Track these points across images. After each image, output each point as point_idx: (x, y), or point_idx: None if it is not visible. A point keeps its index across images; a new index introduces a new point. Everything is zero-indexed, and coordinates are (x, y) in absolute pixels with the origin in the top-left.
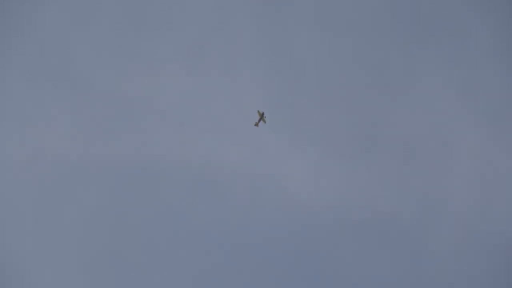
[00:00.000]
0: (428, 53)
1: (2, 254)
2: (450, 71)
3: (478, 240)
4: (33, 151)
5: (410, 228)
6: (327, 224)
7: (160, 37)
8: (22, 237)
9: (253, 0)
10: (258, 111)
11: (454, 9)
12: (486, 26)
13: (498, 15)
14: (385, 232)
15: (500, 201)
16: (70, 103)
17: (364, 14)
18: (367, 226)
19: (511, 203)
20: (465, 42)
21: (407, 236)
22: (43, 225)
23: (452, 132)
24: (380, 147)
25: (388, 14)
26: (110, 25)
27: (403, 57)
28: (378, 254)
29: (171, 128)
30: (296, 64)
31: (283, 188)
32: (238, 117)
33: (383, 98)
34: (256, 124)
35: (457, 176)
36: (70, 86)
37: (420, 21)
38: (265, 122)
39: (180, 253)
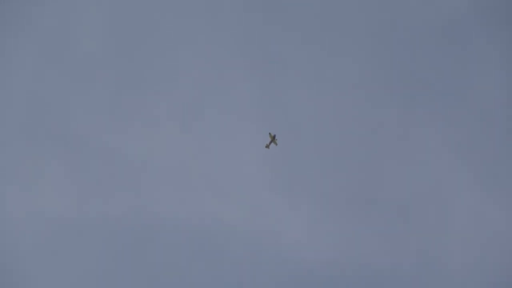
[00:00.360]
0: (425, 111)
1: None
2: (447, 129)
3: None
4: (29, 209)
5: (407, 286)
6: (324, 281)
7: (156, 95)
8: None
9: (249, 59)
10: (269, 133)
11: (452, 67)
12: (484, 84)
13: (495, 73)
14: None
15: (497, 259)
16: (66, 161)
17: (361, 72)
18: (364, 283)
19: (507, 260)
20: (462, 101)
21: None
22: (40, 285)
23: (450, 190)
24: (378, 205)
25: (385, 72)
26: (107, 84)
27: (400, 115)
28: None
29: (168, 187)
30: (293, 122)
31: (281, 245)
32: (235, 175)
33: (381, 156)
34: (267, 146)
35: (454, 234)
36: (66, 145)
37: (417, 79)
38: (276, 144)
39: None
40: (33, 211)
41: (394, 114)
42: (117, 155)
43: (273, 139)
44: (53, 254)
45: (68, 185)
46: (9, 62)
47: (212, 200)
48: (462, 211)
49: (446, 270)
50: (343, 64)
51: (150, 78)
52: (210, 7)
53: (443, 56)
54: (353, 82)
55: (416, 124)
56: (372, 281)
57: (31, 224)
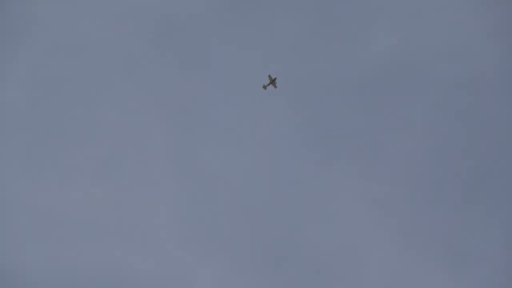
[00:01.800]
0: (341, 168)
1: None
2: (362, 186)
3: None
4: None
5: None
6: None
7: (72, 146)
8: None
9: (166, 113)
10: (269, 76)
11: (368, 126)
12: (401, 141)
13: (413, 132)
14: None
15: None
16: None
17: (279, 127)
18: None
19: None
20: (379, 158)
21: None
22: None
23: (366, 248)
24: (290, 262)
25: (303, 127)
26: (22, 134)
27: (315, 172)
28: None
29: (81, 238)
30: (208, 176)
31: None
32: (148, 227)
33: (296, 212)
34: (265, 87)
35: None
36: None
37: (335, 135)
38: (275, 87)
39: None
40: None
41: (311, 170)
42: (31, 207)
43: (272, 81)
44: None
45: None
46: None
47: (123, 251)
48: (377, 267)
49: None
50: (261, 119)
51: (65, 129)
52: (126, 60)
53: (362, 113)
54: (270, 137)
55: (333, 180)
56: None
57: None
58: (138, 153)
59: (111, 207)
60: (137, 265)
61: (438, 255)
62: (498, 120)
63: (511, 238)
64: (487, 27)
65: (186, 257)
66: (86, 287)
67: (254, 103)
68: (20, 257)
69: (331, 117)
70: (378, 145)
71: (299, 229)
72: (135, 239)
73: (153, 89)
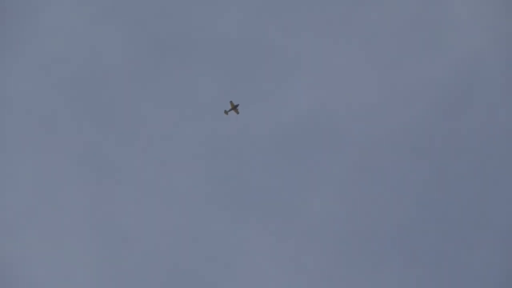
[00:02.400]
0: (256, 225)
1: None
2: (277, 245)
3: None
4: None
5: None
6: None
7: None
8: None
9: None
10: (231, 102)
11: (286, 183)
12: (316, 201)
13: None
14: None
15: None
16: None
17: (192, 186)
18: None
19: None
20: (295, 215)
21: None
22: None
23: None
24: None
25: (219, 187)
26: None
27: (230, 229)
28: None
29: None
30: (121, 238)
31: None
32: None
33: (209, 271)
34: (226, 113)
35: None
36: None
37: (251, 193)
38: (237, 112)
39: None
40: None
41: (225, 227)
42: None
43: (234, 107)
44: None
45: None
46: None
47: None
48: None
49: None
50: (177, 174)
51: None
52: (43, 124)
53: (278, 173)
54: (185, 193)
55: (248, 237)
56: None
57: None
58: (52, 211)
59: (22, 266)
60: None
61: None
62: (411, 176)
63: None
64: (400, 85)
65: None
66: None
67: (171, 157)
68: None
69: (249, 174)
70: (296, 202)
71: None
72: None
73: (66, 146)
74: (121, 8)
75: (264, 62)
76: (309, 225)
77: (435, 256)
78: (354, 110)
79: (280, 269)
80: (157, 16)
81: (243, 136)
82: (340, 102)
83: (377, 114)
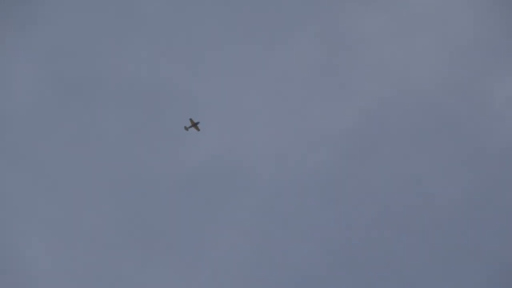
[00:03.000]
0: (162, 266)
1: None
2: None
3: None
4: None
5: None
6: None
7: None
8: None
9: None
10: (191, 119)
11: (192, 225)
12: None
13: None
14: None
15: None
16: None
17: (94, 225)
18: None
19: None
20: (200, 259)
21: None
22: None
23: None
24: None
25: (124, 228)
26: None
27: (135, 270)
28: None
29: None
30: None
31: None
32: None
33: None
34: (186, 129)
35: None
36: None
37: (155, 234)
38: (198, 129)
39: None
40: None
41: (131, 267)
42: None
43: (194, 124)
44: None
45: None
46: None
47: None
48: None
49: None
50: (81, 214)
51: None
52: None
53: (185, 215)
54: (89, 237)
55: (153, 278)
56: None
57: None
58: None
59: None
60: None
61: None
62: (316, 221)
63: None
64: (309, 130)
65: None
66: None
67: (76, 196)
68: None
69: (156, 216)
70: (202, 245)
71: None
72: None
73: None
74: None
75: (172, 105)
76: (214, 268)
77: None
78: (262, 155)
79: None
80: (64, 55)
81: (151, 177)
82: (248, 146)
83: (285, 159)
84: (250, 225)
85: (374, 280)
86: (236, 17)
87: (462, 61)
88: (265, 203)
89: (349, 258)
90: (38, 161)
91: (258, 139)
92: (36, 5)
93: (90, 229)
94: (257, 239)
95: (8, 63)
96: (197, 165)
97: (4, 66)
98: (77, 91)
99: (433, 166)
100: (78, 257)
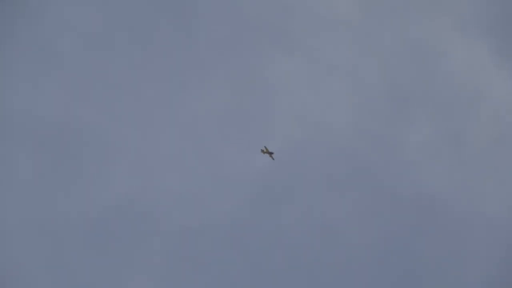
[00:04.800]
0: None
1: None
2: None
3: None
4: None
5: None
6: None
7: None
8: None
9: None
10: (265, 147)
11: (99, 267)
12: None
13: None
14: None
15: None
16: None
17: None
18: None
19: None
20: None
21: None
22: None
23: None
24: None
25: None
26: None
27: None
28: None
29: None
30: None
31: None
32: None
33: None
34: (263, 152)
35: None
36: None
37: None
38: (273, 159)
39: None
40: None
41: None
42: None
43: (269, 152)
44: None
45: None
46: None
47: None
48: None
49: None
50: None
51: None
52: None
53: (93, 259)
54: None
55: None
56: None
57: None
58: None
59: None
60: None
61: None
62: (229, 266)
63: None
64: (221, 175)
65: None
66: None
67: None
68: None
69: (63, 258)
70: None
71: None
72: None
73: None
74: None
75: (83, 146)
76: None
77: None
78: (173, 198)
79: None
80: None
81: (59, 218)
82: (159, 189)
83: (197, 203)
84: (160, 269)
85: None
86: (150, 58)
87: (375, 108)
88: (175, 247)
89: None
90: None
91: (169, 182)
92: None
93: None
94: (168, 284)
95: None
96: (108, 208)
97: None
98: None
99: (347, 213)
100: None
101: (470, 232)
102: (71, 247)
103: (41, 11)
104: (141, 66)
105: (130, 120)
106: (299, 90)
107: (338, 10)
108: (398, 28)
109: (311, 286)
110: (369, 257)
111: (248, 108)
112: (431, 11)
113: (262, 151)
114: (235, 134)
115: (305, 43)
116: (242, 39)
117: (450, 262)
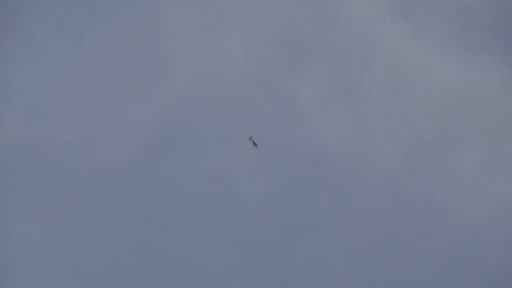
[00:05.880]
0: None
1: None
2: None
3: None
4: None
5: None
6: None
7: None
8: None
9: None
10: (251, 137)
11: None
12: None
13: None
14: None
15: None
16: None
17: None
18: None
19: None
20: None
21: None
22: None
23: None
24: None
25: None
26: None
27: None
28: None
29: None
30: None
31: None
32: None
33: None
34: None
35: None
36: None
37: None
38: (257, 149)
39: None
40: None
41: None
42: None
43: (254, 143)
44: None
45: None
46: None
47: None
48: None
49: None
50: None
51: None
52: None
53: None
54: None
55: None
56: None
57: None
58: None
59: None
60: None
61: None
62: (120, 214)
63: None
64: (114, 122)
65: None
66: None
67: None
68: None
69: None
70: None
71: None
72: None
73: None
74: None
75: None
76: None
77: None
78: (65, 143)
79: None
80: None
81: None
82: (51, 134)
83: (88, 149)
84: (52, 215)
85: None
86: (45, 6)
87: (269, 58)
88: (67, 190)
89: (155, 250)
90: None
91: (62, 128)
92: None
93: None
94: (58, 229)
95: None
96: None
97: None
98: None
99: (239, 162)
100: None
101: (362, 187)
102: None
103: None
104: (37, 15)
105: (24, 64)
106: (194, 39)
107: None
108: None
109: (202, 231)
110: (260, 206)
111: (144, 55)
112: None
113: (250, 138)
114: (130, 82)
115: None
116: None
117: (340, 215)
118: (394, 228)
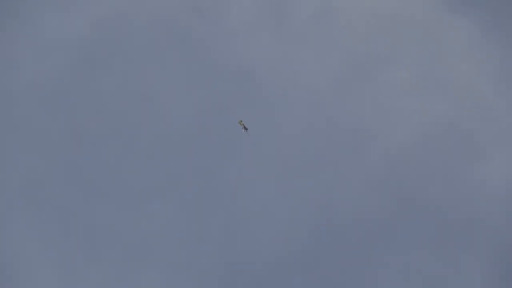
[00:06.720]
0: None
1: None
2: None
3: None
4: None
5: None
6: None
7: None
8: None
9: None
10: (241, 121)
11: None
12: None
13: None
14: None
15: None
16: None
17: None
18: None
19: None
20: None
21: None
22: None
23: None
24: None
25: None
26: None
27: None
28: None
29: None
30: None
31: None
32: None
33: None
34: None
35: None
36: None
37: None
38: (246, 128)
39: None
40: None
41: None
42: None
43: (244, 126)
44: None
45: None
46: None
47: None
48: None
49: None
50: None
51: None
52: None
53: None
54: None
55: None
56: None
57: None
58: None
59: None
60: None
61: None
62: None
63: None
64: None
65: None
66: None
67: None
68: None
69: None
70: None
71: None
72: None
73: None
74: None
75: None
76: None
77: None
78: None
79: None
80: None
81: None
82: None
83: (17, 67)
84: None
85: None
86: None
87: None
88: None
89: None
90: None
91: None
92: None
93: None
94: None
95: None
96: None
97: None
98: None
99: (165, 81)
100: None
101: (290, 106)
102: None
103: None
104: None
105: None
106: None
107: None
108: None
109: (131, 148)
110: (186, 125)
111: None
112: None
113: (240, 122)
114: None
115: None
116: None
117: (269, 134)
118: (322, 148)
